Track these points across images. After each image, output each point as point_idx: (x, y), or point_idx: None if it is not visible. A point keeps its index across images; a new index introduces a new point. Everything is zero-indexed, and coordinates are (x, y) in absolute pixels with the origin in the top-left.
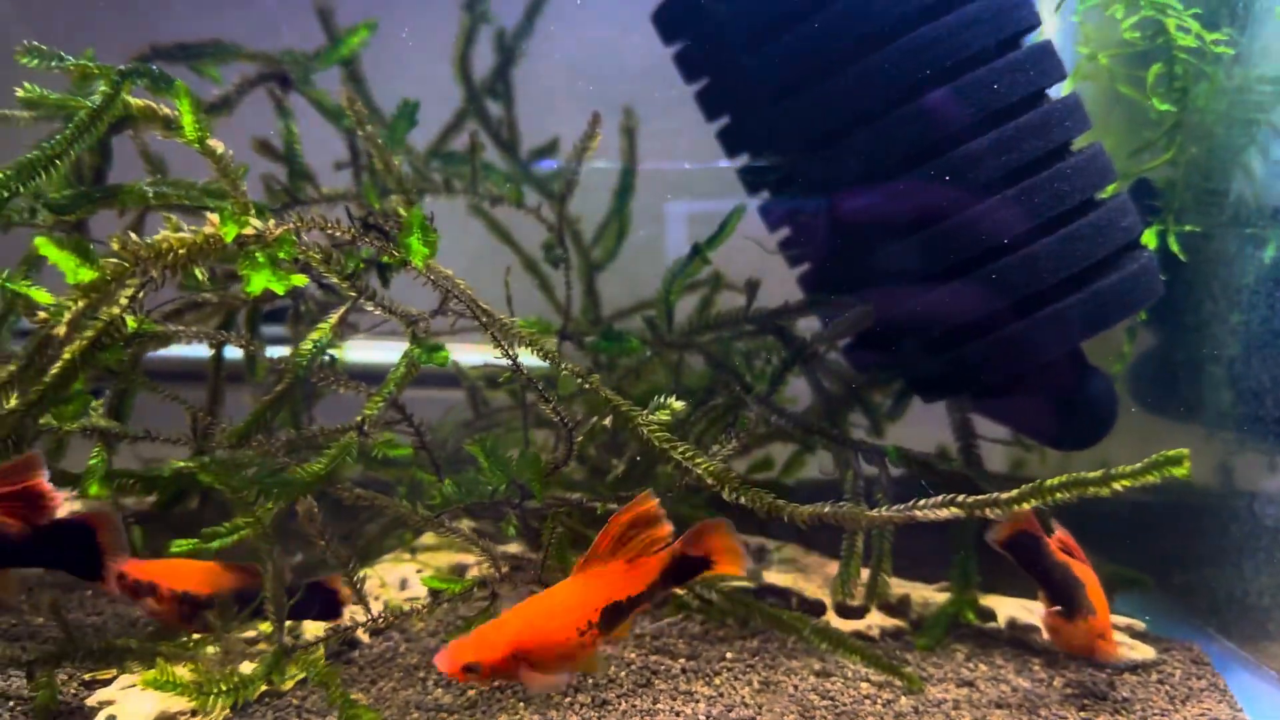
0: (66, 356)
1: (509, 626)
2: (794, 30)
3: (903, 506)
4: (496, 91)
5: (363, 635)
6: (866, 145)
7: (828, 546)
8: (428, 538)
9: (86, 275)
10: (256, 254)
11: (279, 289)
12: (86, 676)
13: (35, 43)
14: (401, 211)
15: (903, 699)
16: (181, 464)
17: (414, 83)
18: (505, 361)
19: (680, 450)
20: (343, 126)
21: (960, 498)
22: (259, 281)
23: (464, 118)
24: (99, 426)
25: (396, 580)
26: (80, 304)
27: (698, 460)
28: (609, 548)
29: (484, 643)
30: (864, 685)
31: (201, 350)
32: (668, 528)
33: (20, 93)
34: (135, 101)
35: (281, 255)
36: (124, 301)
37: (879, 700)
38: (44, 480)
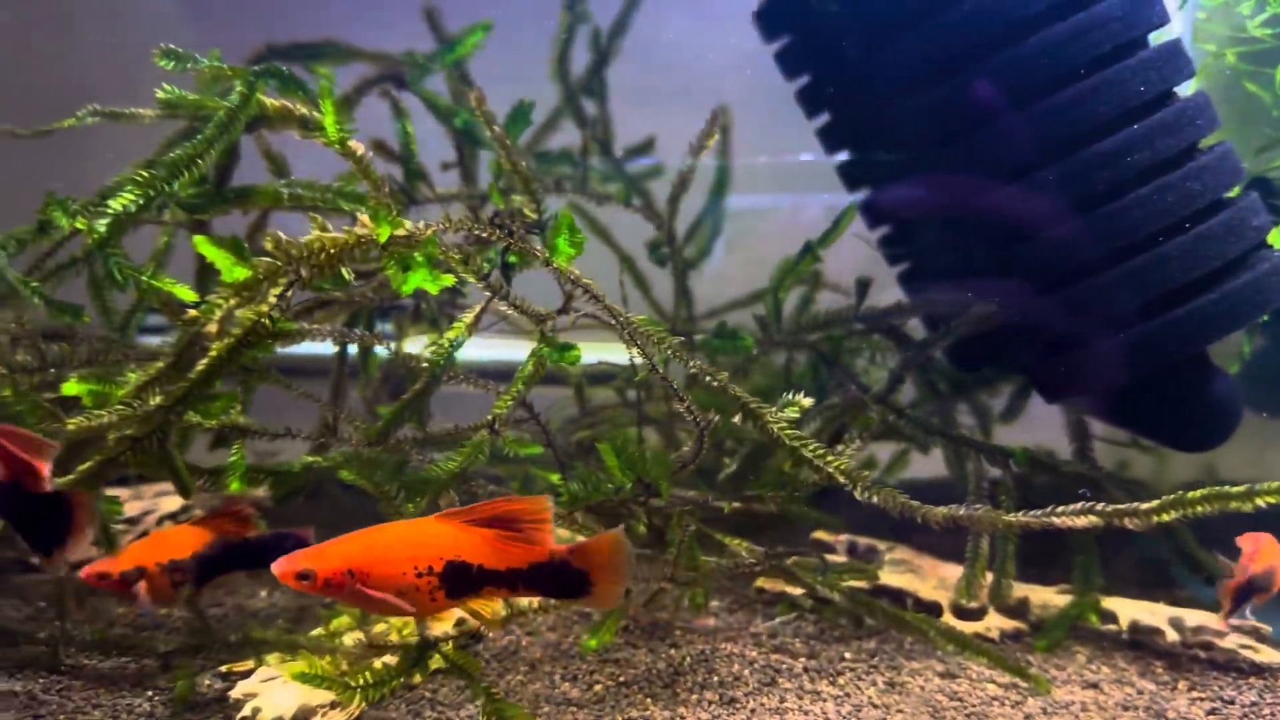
0: (213, 353)
1: (350, 545)
2: (920, 28)
3: (1041, 512)
4: (592, 90)
5: (486, 629)
6: (994, 143)
7: (938, 548)
8: None
9: (241, 274)
10: (415, 255)
11: (433, 289)
12: (223, 669)
13: (171, 46)
14: (528, 212)
15: (1030, 700)
16: (310, 459)
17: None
18: (614, 359)
19: (811, 448)
20: (453, 126)
21: (1100, 506)
22: (415, 282)
23: (560, 116)
24: (237, 424)
25: None
26: (232, 302)
27: (828, 458)
28: (481, 517)
29: (322, 554)
30: (990, 686)
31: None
32: (549, 539)
33: (159, 94)
34: (270, 102)
35: (425, 256)
36: (272, 300)
37: (1007, 701)
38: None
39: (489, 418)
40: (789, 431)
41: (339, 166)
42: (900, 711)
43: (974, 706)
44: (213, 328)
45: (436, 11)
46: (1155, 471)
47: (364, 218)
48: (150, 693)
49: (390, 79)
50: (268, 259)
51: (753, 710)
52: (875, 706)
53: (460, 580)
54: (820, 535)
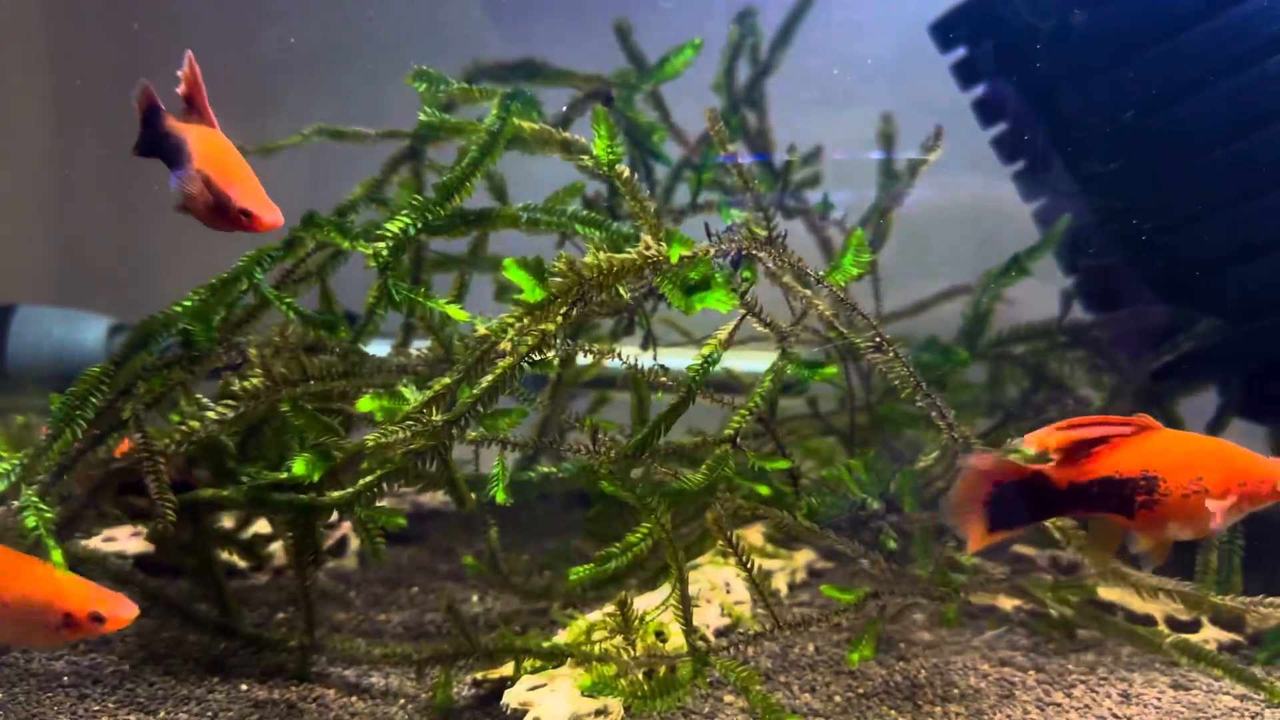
0: (499, 369)
1: None
2: None
3: None
4: (752, 101)
5: (709, 635)
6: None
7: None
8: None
9: (538, 295)
10: (716, 275)
11: (725, 309)
12: (478, 676)
13: (424, 67)
14: (754, 229)
15: (1267, 712)
16: (548, 469)
17: None
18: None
19: None
20: (649, 146)
21: None
22: (709, 302)
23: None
24: (508, 439)
25: (721, 583)
26: (525, 320)
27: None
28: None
29: None
30: (1225, 698)
31: None
32: None
33: (422, 117)
34: (529, 125)
35: (695, 275)
36: (559, 319)
37: (1245, 713)
38: None
39: (728, 431)
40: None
41: None
42: None
43: (1214, 718)
44: (506, 345)
45: (628, 29)
46: None
47: (647, 238)
48: (402, 700)
49: (597, 97)
50: (559, 279)
51: None
52: (1118, 718)
53: None
54: (1022, 550)
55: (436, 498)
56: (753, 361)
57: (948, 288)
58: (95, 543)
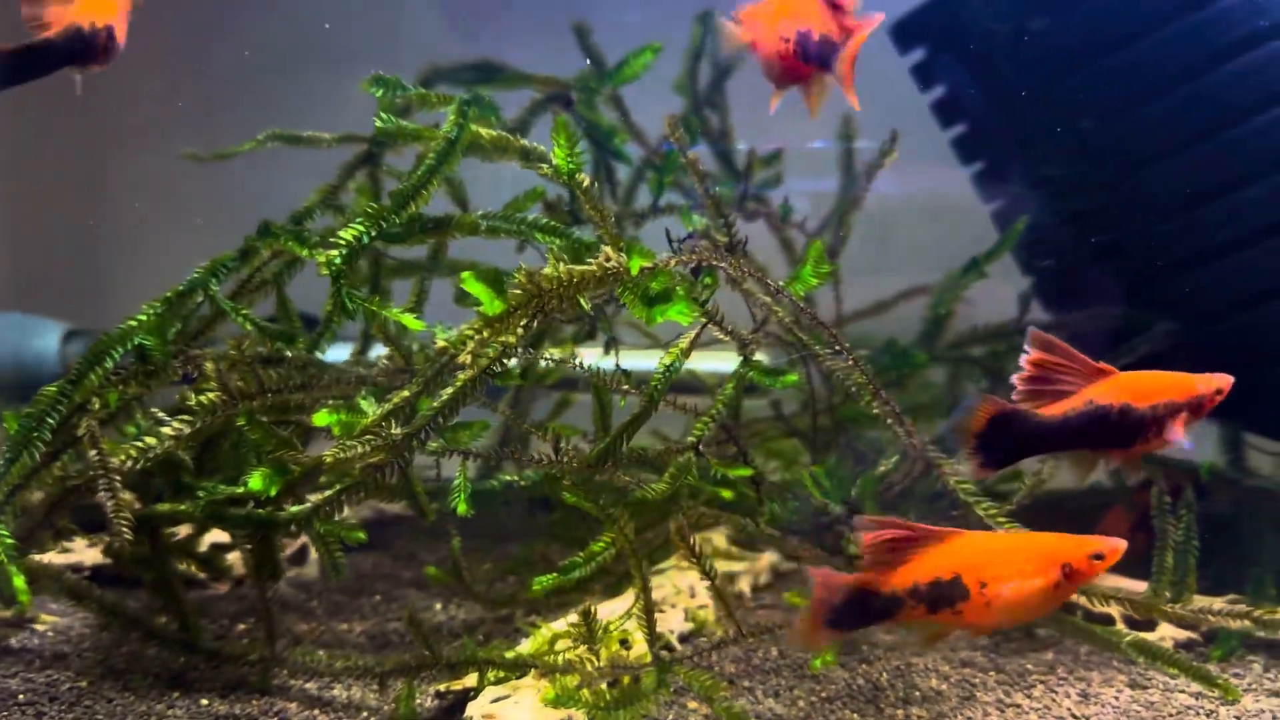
0: (460, 382)
1: None
2: None
3: None
4: (714, 102)
5: (674, 640)
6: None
7: None
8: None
9: (497, 307)
10: (678, 289)
11: (686, 320)
12: (441, 687)
13: (381, 73)
14: (716, 235)
15: (1221, 709)
16: (509, 476)
17: None
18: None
19: (984, 507)
20: (612, 148)
21: None
22: (673, 313)
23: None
24: (469, 451)
25: (686, 587)
26: (485, 333)
27: (1000, 520)
28: None
29: None
30: (1181, 696)
31: None
32: None
33: (378, 123)
34: (486, 132)
35: (657, 286)
36: (520, 330)
37: (1201, 711)
38: None
39: (691, 438)
40: (965, 486)
41: None
42: None
43: (1170, 716)
44: (466, 357)
45: (587, 29)
46: None
47: (607, 249)
48: (365, 714)
49: (557, 100)
50: (518, 291)
51: None
52: (1077, 718)
53: None
54: None
55: (399, 504)
56: (718, 362)
57: (907, 288)
58: (50, 556)
